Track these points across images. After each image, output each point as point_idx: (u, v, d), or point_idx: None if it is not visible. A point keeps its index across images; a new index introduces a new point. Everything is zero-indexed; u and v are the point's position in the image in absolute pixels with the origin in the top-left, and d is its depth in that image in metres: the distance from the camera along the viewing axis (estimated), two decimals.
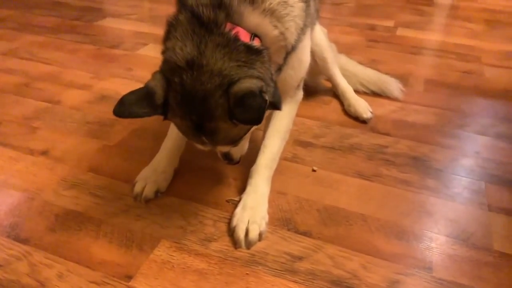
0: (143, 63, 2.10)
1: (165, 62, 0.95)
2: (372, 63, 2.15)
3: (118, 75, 1.98)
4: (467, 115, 1.71)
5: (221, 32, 0.89)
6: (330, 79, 1.81)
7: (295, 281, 0.98)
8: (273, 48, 1.02)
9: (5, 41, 2.34)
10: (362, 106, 1.68)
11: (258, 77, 0.92)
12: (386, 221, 1.16)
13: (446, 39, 2.59)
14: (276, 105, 0.94)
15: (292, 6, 1.02)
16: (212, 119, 0.93)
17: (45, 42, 2.36)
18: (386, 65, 2.16)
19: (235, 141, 1.03)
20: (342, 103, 1.77)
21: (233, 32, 0.91)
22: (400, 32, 2.67)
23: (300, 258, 1.04)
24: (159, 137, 1.36)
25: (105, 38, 2.45)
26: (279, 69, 1.11)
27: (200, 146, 1.04)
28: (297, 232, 1.12)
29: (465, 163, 1.41)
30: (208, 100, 0.90)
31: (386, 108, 1.75)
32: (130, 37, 2.48)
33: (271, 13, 0.99)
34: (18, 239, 1.08)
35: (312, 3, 1.19)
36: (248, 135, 1.14)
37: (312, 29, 1.40)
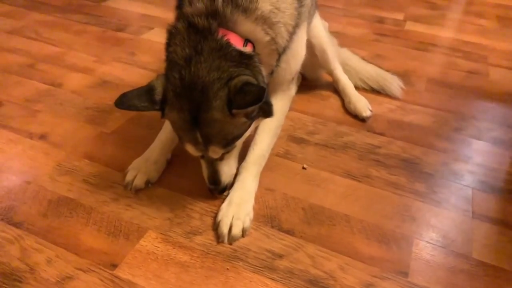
0: (146, 48, 2.11)
1: (168, 63, 1.04)
2: (376, 58, 2.13)
3: (120, 59, 1.99)
4: (465, 118, 1.70)
5: (214, 38, 0.97)
6: (330, 73, 1.81)
7: (272, 279, 1.02)
8: (266, 51, 1.09)
9: (13, 19, 2.37)
10: (362, 104, 1.68)
11: (253, 77, 1.01)
12: (369, 223, 1.18)
13: (454, 35, 2.54)
14: (267, 110, 0.99)
15: (283, 12, 1.06)
16: (209, 109, 0.98)
17: (52, 21, 2.38)
18: (390, 61, 2.15)
19: (227, 143, 1.05)
20: (341, 99, 1.77)
21: (225, 38, 0.98)
22: (409, 26, 2.63)
23: (280, 256, 1.08)
24: (155, 126, 1.40)
25: (111, 19, 2.46)
26: (272, 72, 1.14)
27: (192, 149, 1.08)
28: (281, 229, 1.15)
29: (456, 168, 1.41)
30: (206, 91, 0.98)
31: (384, 106, 1.75)
32: (136, 19, 2.49)
33: (263, 21, 1.05)
34: (12, 223, 1.12)
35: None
36: (237, 149, 1.17)
37: (309, 22, 1.42)
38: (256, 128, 1.30)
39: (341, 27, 2.54)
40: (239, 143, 1.13)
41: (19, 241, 1.08)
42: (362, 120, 1.65)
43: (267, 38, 1.08)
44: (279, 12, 1.07)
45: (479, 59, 2.23)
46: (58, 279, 0.99)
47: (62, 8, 2.57)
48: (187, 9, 1.03)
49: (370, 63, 1.91)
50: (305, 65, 1.76)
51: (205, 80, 0.97)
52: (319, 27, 1.61)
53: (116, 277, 1.00)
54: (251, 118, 1.06)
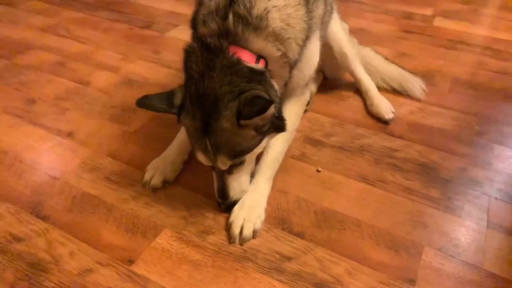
0: (171, 47, 2.17)
1: (186, 77, 1.11)
2: (400, 57, 2.11)
3: (146, 58, 2.06)
4: (488, 121, 1.66)
5: (225, 56, 1.03)
6: (352, 75, 1.80)
7: (280, 280, 1.05)
8: (278, 65, 1.13)
9: (46, 17, 2.48)
10: (385, 107, 1.66)
11: (265, 93, 1.06)
12: (380, 229, 1.19)
13: (486, 32, 2.46)
14: (280, 125, 1.07)
15: (294, 28, 1.10)
16: (219, 118, 1.03)
17: (82, 19, 2.47)
18: (415, 59, 2.11)
19: (235, 154, 1.08)
20: (363, 100, 1.77)
21: (236, 55, 1.03)
22: (438, 22, 2.56)
23: (289, 258, 1.11)
24: (175, 127, 1.44)
25: (139, 17, 2.53)
26: (286, 84, 1.18)
27: (202, 157, 1.12)
28: (291, 232, 1.18)
29: (474, 175, 1.39)
30: (218, 101, 1.03)
31: (405, 108, 1.73)
32: (163, 17, 2.55)
33: (274, 37, 1.09)
34: (39, 216, 1.21)
35: (319, 8, 1.22)
36: (249, 166, 1.19)
37: (325, 28, 1.45)
38: None
39: (366, 23, 2.51)
40: (250, 159, 1.16)
41: (46, 234, 1.16)
42: (385, 122, 1.64)
43: (279, 53, 1.12)
44: (290, 27, 1.11)
45: (510, 58, 2.15)
46: (79, 271, 1.06)
47: (93, 5, 2.67)
48: (202, 29, 1.10)
49: (393, 63, 1.89)
50: (325, 65, 1.78)
51: (218, 92, 1.02)
52: (338, 30, 1.61)
53: (132, 272, 1.06)
54: (261, 133, 1.09)
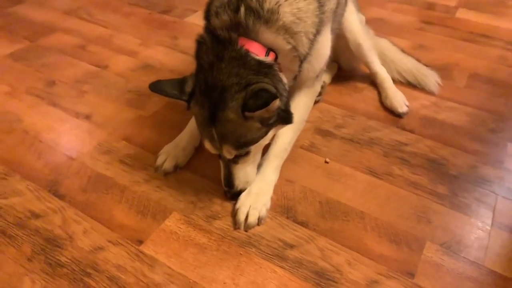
0: (189, 32, 2.19)
1: (196, 67, 1.14)
2: (418, 49, 2.08)
3: (163, 43, 2.09)
4: (503, 119, 1.63)
5: (234, 48, 1.05)
6: (367, 66, 1.79)
7: (282, 267, 1.09)
8: (288, 59, 1.15)
9: None
10: (399, 100, 1.65)
11: (272, 86, 1.08)
12: (383, 222, 1.21)
13: (510, 26, 2.38)
14: (286, 118, 1.10)
15: (305, 22, 1.11)
16: (225, 109, 1.06)
17: (104, 2, 2.52)
18: (433, 52, 2.08)
19: (240, 145, 1.11)
20: (377, 92, 1.76)
21: (244, 48, 1.05)
22: (460, 14, 2.50)
23: (291, 246, 1.14)
24: (189, 114, 1.46)
25: (158, 1, 2.55)
26: (295, 78, 1.20)
27: (209, 146, 1.15)
28: (295, 221, 1.21)
29: (484, 172, 1.38)
30: (225, 92, 1.06)
31: (418, 102, 1.72)
32: (182, 2, 2.56)
33: (285, 30, 1.11)
34: (56, 195, 1.27)
35: (331, 2, 1.23)
36: (254, 157, 1.21)
37: (339, 21, 1.46)
38: None
39: (386, 13, 2.47)
40: (256, 150, 1.18)
41: (62, 211, 1.22)
42: (398, 115, 1.63)
43: (289, 46, 1.13)
44: (301, 22, 1.12)
45: None
46: (91, 248, 1.12)
47: None
48: (214, 21, 1.12)
49: (409, 55, 1.87)
50: (340, 56, 1.78)
51: (225, 83, 1.04)
52: (353, 21, 1.60)
53: (141, 252, 1.11)
54: (266, 125, 1.11)
